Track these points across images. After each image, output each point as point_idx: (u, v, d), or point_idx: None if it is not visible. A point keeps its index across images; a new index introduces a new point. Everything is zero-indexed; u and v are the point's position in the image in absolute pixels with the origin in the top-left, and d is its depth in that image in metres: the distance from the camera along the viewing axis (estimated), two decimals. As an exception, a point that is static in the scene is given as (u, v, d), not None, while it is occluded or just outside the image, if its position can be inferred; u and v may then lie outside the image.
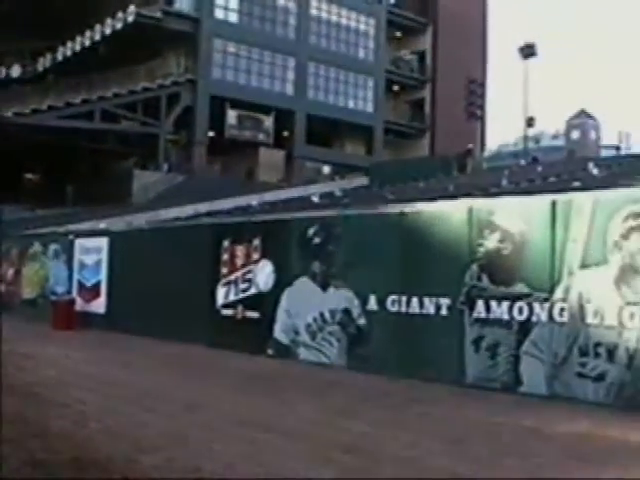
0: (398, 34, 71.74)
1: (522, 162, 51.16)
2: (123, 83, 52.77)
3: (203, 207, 39.33)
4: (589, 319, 10.76)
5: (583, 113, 76.12)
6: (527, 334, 11.48)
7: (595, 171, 27.33)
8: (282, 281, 15.88)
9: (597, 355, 10.67)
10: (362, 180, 49.80)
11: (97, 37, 55.98)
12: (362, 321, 14.02)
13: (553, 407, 10.62)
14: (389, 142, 67.49)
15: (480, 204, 12.78)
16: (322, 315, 14.78)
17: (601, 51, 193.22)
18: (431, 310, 12.76)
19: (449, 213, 12.91)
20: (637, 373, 10.33)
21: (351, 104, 65.62)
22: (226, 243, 17.53)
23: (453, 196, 18.38)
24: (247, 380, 13.02)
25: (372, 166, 52.27)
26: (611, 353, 10.54)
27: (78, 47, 57.36)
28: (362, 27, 66.81)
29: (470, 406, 10.84)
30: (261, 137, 58.62)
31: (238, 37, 57.67)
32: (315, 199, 35.90)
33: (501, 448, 8.26)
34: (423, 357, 12.86)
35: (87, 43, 56.71)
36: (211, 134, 56.27)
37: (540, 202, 11.78)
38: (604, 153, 62.50)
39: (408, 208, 13.93)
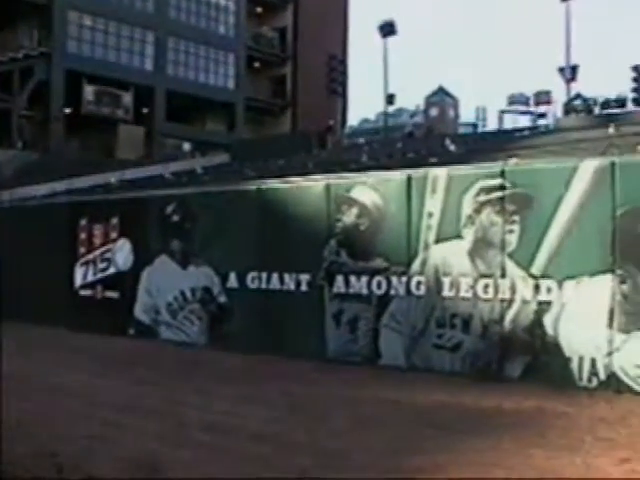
0: (259, 10, 71.18)
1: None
2: (-27, 56, 50.45)
3: (60, 185, 38.06)
4: (445, 291, 11.04)
5: (441, 90, 77.85)
6: (386, 308, 11.68)
7: (452, 147, 28.00)
8: (141, 260, 15.62)
9: (453, 326, 10.97)
10: (223, 157, 49.40)
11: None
12: (223, 299, 13.93)
13: (412, 378, 10.83)
14: (250, 119, 67.12)
15: (337, 180, 12.85)
16: (183, 293, 14.61)
17: (459, 30, 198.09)
18: (291, 286, 12.79)
19: (307, 189, 12.96)
20: (490, 343, 10.68)
21: (212, 80, 64.80)
22: (83, 222, 17.08)
23: (313, 172, 18.43)
24: (107, 362, 12.71)
25: (233, 143, 51.98)
26: (466, 324, 10.86)
27: None
28: (222, 2, 65.91)
29: (331, 380, 10.92)
30: (120, 113, 57.16)
31: (94, 9, 55.74)
32: (167, 175, 35.37)
33: (361, 420, 8.38)
34: (284, 333, 12.90)
35: None
36: (68, 110, 54.45)
37: (396, 177, 11.95)
38: (462, 130, 64.16)
39: (266, 185, 13.89)
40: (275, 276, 13.02)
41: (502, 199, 10.58)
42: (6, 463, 6.38)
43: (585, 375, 9.93)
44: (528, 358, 10.41)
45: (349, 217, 12.10)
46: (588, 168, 10.02)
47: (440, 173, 11.36)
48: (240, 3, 66.75)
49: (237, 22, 66.70)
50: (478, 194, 10.77)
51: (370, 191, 11.98)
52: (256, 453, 7.01)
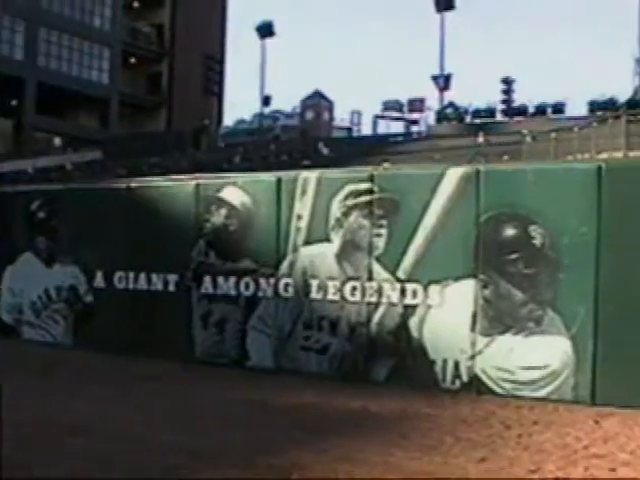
0: (136, 4, 70.20)
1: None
2: None
3: None
4: (313, 294, 11.09)
5: (317, 94, 78.44)
6: (254, 309, 11.65)
7: (325, 151, 28.24)
8: (4, 258, 15.04)
9: (320, 329, 11.03)
10: (96, 154, 48.47)
11: None
12: (89, 298, 13.61)
13: (280, 380, 10.84)
14: (125, 115, 66.06)
15: (207, 180, 12.74)
16: (47, 292, 14.20)
17: (337, 34, 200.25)
18: (159, 286, 12.61)
19: (177, 189, 12.82)
20: (357, 345, 10.80)
21: (86, 74, 63.46)
22: (-58, 218, 16.33)
23: (186, 171, 18.27)
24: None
25: (107, 139, 50.98)
26: (334, 326, 10.94)
27: None
28: (98, -6, 64.68)
29: (199, 382, 10.84)
30: (-14, 105, 55.32)
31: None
32: (30, 170, 34.43)
33: (230, 422, 8.35)
34: (152, 334, 12.68)
35: None
36: None
37: (266, 179, 11.95)
38: (337, 134, 64.73)
39: (135, 183, 13.66)
40: (143, 276, 12.80)
41: (370, 203, 10.70)
42: None
43: (449, 377, 10.15)
44: (394, 360, 10.56)
45: (218, 218, 12.02)
46: (454, 175, 10.24)
47: (310, 176, 11.40)
48: (116, -3, 65.57)
49: (113, 16, 65.53)
50: (347, 198, 10.86)
51: (240, 192, 11.91)
52: (120, 455, 6.87)
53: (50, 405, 9.02)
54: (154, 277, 12.67)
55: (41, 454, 6.89)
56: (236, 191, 11.98)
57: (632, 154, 23.92)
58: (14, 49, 57.99)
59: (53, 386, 10.29)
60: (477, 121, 46.51)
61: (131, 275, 12.96)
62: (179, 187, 12.83)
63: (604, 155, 22.86)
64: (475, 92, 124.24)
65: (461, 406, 9.23)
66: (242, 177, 12.56)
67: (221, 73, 73.07)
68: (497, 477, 6.37)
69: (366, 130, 60.97)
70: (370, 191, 10.73)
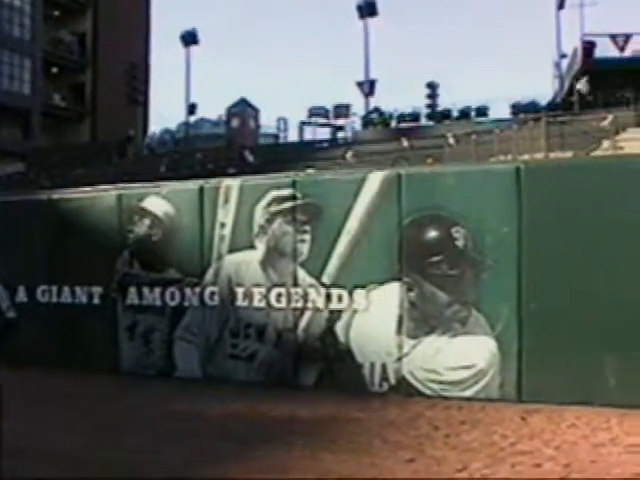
0: (57, 13, 69.04)
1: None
2: None
3: None
4: (239, 301, 11.07)
5: (243, 101, 78.27)
6: (180, 319, 11.60)
7: (251, 158, 28.23)
8: None
9: (247, 336, 11.02)
10: (18, 166, 47.54)
11: None
12: (11, 314, 13.32)
13: (208, 389, 10.80)
14: (48, 126, 64.91)
15: (129, 190, 12.62)
16: (-32, 308, 13.86)
17: (260, 40, 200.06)
18: (83, 299, 12.45)
19: (99, 199, 12.65)
20: (284, 352, 10.82)
21: (6, 85, 62.18)
22: None
23: (112, 182, 18.02)
24: None
25: (29, 151, 50.05)
26: (260, 333, 10.95)
27: None
28: (17, 3, 63.31)
29: (127, 395, 10.73)
30: None
31: None
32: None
33: (158, 434, 8.27)
34: (78, 348, 12.51)
35: None
36: None
37: (189, 188, 11.89)
38: (263, 141, 64.62)
39: (57, 195, 13.44)
40: (66, 289, 12.61)
41: (294, 209, 10.73)
42: None
43: (377, 380, 10.22)
44: (322, 365, 10.60)
45: (141, 228, 11.91)
46: (376, 179, 10.33)
47: (232, 183, 11.39)
48: (37, 5, 64.41)
49: (33, 25, 64.28)
50: (270, 204, 10.87)
51: (162, 201, 11.83)
52: (55, 474, 6.77)
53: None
54: (78, 290, 12.49)
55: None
56: (159, 200, 11.89)
57: (552, 155, 24.41)
58: None
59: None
60: (402, 125, 46.90)
61: (54, 289, 12.76)
62: (101, 198, 12.66)
63: (525, 157, 23.28)
64: (400, 97, 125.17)
65: (389, 409, 9.30)
66: (165, 186, 12.46)
67: (146, 82, 72.29)
68: (425, 477, 6.43)
69: (292, 137, 61.05)
70: (293, 197, 10.75)
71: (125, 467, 6.89)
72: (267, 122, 68.11)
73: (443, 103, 51.36)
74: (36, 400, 10.38)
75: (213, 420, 8.95)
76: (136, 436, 8.20)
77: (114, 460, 7.15)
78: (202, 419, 8.99)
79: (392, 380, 10.12)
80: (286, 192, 10.81)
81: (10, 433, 8.28)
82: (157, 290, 11.71)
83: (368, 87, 54.63)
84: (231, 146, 48.56)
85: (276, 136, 65.03)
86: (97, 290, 12.29)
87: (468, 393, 9.62)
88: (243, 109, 67.10)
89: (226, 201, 11.19)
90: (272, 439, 7.94)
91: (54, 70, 67.13)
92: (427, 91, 53.39)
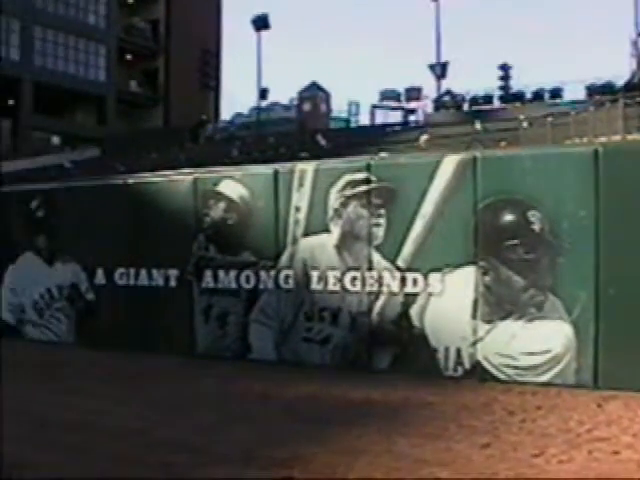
0: (130, 1, 70.04)
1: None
2: None
3: None
4: (313, 285, 11.10)
5: (314, 85, 78.24)
6: (255, 302, 11.68)
7: (323, 142, 28.23)
8: (5, 257, 15.07)
9: (322, 319, 11.05)
10: (94, 151, 48.43)
11: None
12: (91, 296, 13.63)
13: (282, 372, 10.87)
14: (123, 112, 65.96)
15: (205, 174, 12.75)
16: (49, 291, 14.23)
17: (331, 24, 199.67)
18: (160, 282, 12.63)
19: (175, 184, 12.81)
20: (359, 335, 10.82)
21: (82, 72, 63.30)
22: (-59, 218, 16.35)
23: (185, 166, 18.26)
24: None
25: (104, 137, 50.94)
26: (335, 317, 10.96)
27: None
28: (92, -8, 64.52)
29: (201, 376, 10.86)
30: (-17, 105, 55.24)
31: (-46, -5, 53.57)
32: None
33: (231, 415, 8.38)
34: (154, 330, 12.71)
35: None
36: None
37: (263, 172, 11.96)
38: (334, 125, 64.60)
39: (134, 179, 13.68)
40: (143, 272, 12.82)
41: (368, 193, 10.71)
42: None
43: (451, 365, 10.18)
44: (396, 349, 10.59)
45: (217, 211, 12.03)
46: (451, 162, 10.24)
47: (307, 167, 11.41)
48: (111, -7, 65.38)
49: (108, 12, 65.31)
50: (345, 188, 10.87)
51: (237, 185, 11.92)
52: (119, 451, 6.89)
53: (52, 403, 9.05)
54: (155, 272, 12.69)
55: (41, 451, 6.90)
56: (234, 184, 11.98)
57: (630, 137, 23.91)
58: (10, 49, 57.82)
59: (55, 385, 10.32)
60: (475, 108, 46.46)
61: (132, 271, 12.98)
62: (177, 182, 12.83)
63: (602, 139, 22.83)
64: (472, 79, 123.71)
65: (464, 393, 9.25)
66: (240, 170, 12.57)
67: (218, 67, 72.97)
68: (500, 462, 6.39)
69: (364, 120, 60.88)
70: (367, 181, 10.73)
71: (193, 447, 6.98)
72: (338, 106, 67.89)
73: (516, 85, 50.72)
74: (110, 380, 10.64)
75: (287, 402, 9.03)
76: (210, 416, 8.33)
77: (182, 440, 7.27)
78: (276, 401, 9.07)
79: (467, 365, 10.07)
80: (361, 176, 10.79)
81: (83, 410, 8.58)
82: (232, 273, 11.82)
83: (440, 69, 54.22)
84: (303, 130, 48.68)
85: (347, 120, 64.89)
86: (173, 273, 12.46)
87: (543, 378, 9.52)
88: (314, 93, 67.07)
89: (301, 185, 11.23)
90: (346, 421, 7.95)
91: (128, 57, 68.16)
92: (500, 73, 52.74)
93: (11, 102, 57.20)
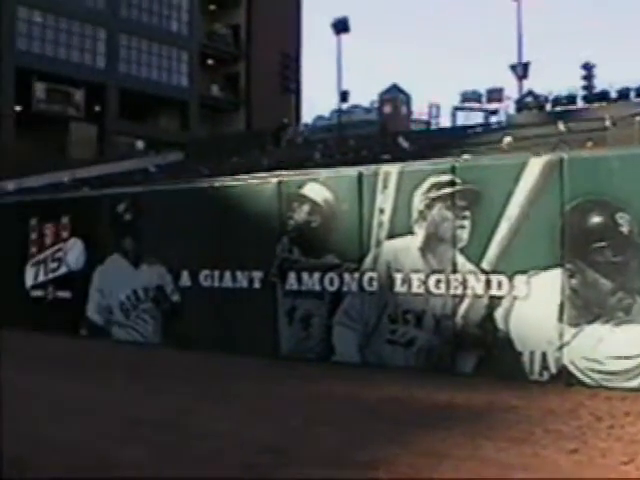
0: (212, 7, 71.03)
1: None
2: None
3: (11, 185, 37.68)
4: (397, 287, 11.08)
5: (395, 88, 78.12)
6: (338, 304, 11.71)
7: (405, 144, 28.14)
8: (93, 259, 15.46)
9: (406, 322, 11.02)
10: (177, 155, 49.18)
11: None
12: (176, 297, 13.85)
13: (365, 374, 10.87)
14: (205, 117, 66.89)
15: (289, 177, 12.85)
16: (135, 293, 14.51)
17: (411, 27, 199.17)
18: (244, 284, 12.76)
19: (259, 187, 12.95)
20: (443, 338, 10.76)
21: (165, 78, 64.50)
22: (34, 222, 16.86)
23: (267, 170, 18.43)
24: (56, 362, 12.56)
25: (187, 141, 51.69)
26: (419, 319, 10.92)
27: None
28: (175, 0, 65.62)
29: (285, 377, 10.94)
30: (71, 111, 56.68)
31: (44, 5, 55.04)
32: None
33: (316, 417, 8.40)
34: (238, 331, 12.85)
35: None
36: (18, 108, 53.79)
37: (347, 174, 12.00)
38: (415, 127, 64.44)
39: (219, 182, 13.87)
40: (228, 274, 12.97)
41: (453, 195, 10.66)
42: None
43: (536, 369, 10.04)
44: (480, 353, 10.50)
45: (301, 214, 12.11)
46: (537, 164, 10.13)
47: (391, 170, 11.40)
48: (193, 0, 66.39)
49: (190, 19, 66.40)
50: (429, 190, 10.83)
51: (321, 188, 11.98)
52: (204, 450, 7.00)
53: (139, 403, 9.23)
54: (239, 274, 12.83)
55: (129, 449, 7.05)
56: (318, 187, 12.04)
57: None
58: (96, 57, 59.25)
59: (141, 384, 10.53)
60: (558, 109, 45.75)
61: (216, 273, 13.15)
62: (262, 185, 12.96)
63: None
64: (555, 79, 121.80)
65: (550, 398, 9.12)
66: (324, 173, 12.63)
67: (298, 71, 73.37)
68: (588, 468, 6.29)
69: (445, 122, 60.62)
70: (452, 183, 10.68)
71: (277, 448, 7.02)
72: (418, 108, 67.67)
73: (600, 84, 49.76)
74: (196, 380, 10.80)
75: (371, 404, 9.02)
76: (294, 417, 8.37)
77: (267, 441, 7.32)
78: (360, 402, 9.08)
79: (552, 369, 9.92)
80: (445, 178, 10.73)
81: (170, 410, 8.72)
82: (316, 275, 11.87)
83: (522, 69, 53.51)
84: (384, 132, 48.60)
85: (428, 122, 64.62)
86: (257, 275, 12.58)
87: (632, 384, 9.30)
88: (395, 95, 67.01)
89: (385, 187, 11.23)
90: (430, 424, 7.93)
91: (210, 62, 69.08)
92: (582, 72, 51.84)
93: (97, 108, 58.55)
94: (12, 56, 53.16)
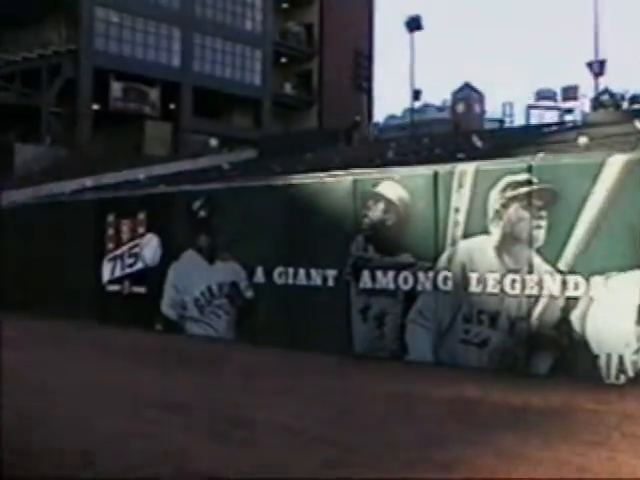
0: (285, 6, 71.33)
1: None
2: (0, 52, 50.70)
3: (89, 181, 38.38)
4: (472, 287, 11.02)
5: (467, 86, 77.52)
6: (412, 303, 11.68)
7: (478, 143, 27.87)
8: (169, 255, 15.71)
9: (480, 322, 10.95)
10: (250, 153, 49.47)
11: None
12: (249, 294, 13.99)
13: (439, 374, 10.85)
14: (277, 114, 67.21)
15: (364, 175, 12.87)
16: (210, 289, 14.69)
17: (485, 24, 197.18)
18: (318, 281, 12.82)
19: (334, 185, 12.98)
20: (518, 339, 10.66)
21: (238, 76, 64.93)
22: (111, 218, 17.21)
23: (340, 168, 18.46)
24: (134, 357, 12.80)
25: (261, 139, 52.01)
26: (493, 320, 10.84)
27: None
28: (249, -2, 66.14)
29: (358, 375, 10.98)
30: (147, 110, 57.48)
31: (121, 6, 55.96)
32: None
33: (389, 415, 8.42)
34: (311, 328, 12.92)
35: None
36: (95, 107, 54.81)
37: (423, 173, 11.96)
38: (488, 126, 63.90)
39: (294, 180, 13.95)
40: (302, 271, 13.05)
41: (529, 194, 10.55)
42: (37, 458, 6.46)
43: (613, 372, 9.88)
44: (555, 355, 10.38)
45: (376, 212, 12.11)
46: (616, 163, 9.96)
47: (467, 168, 11.34)
48: (267, -1, 66.82)
49: (263, 18, 66.75)
50: (505, 189, 10.74)
51: (397, 186, 11.97)
52: (281, 446, 7.06)
53: (213, 398, 9.35)
54: (313, 272, 12.90)
55: (207, 444, 7.15)
56: (393, 185, 12.03)
57: None
58: (171, 56, 59.99)
59: (218, 379, 10.67)
60: (635, 107, 44.89)
61: (290, 270, 13.23)
62: (336, 183, 12.99)
63: None
64: (632, 77, 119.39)
65: (627, 401, 8.99)
66: (399, 172, 12.61)
67: (370, 69, 73.21)
68: (669, 475, 6.19)
69: (518, 121, 59.98)
70: (529, 182, 10.58)
71: (351, 446, 7.06)
72: (492, 107, 67.06)
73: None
74: (269, 377, 10.89)
75: (444, 404, 8.99)
76: (368, 416, 8.41)
77: (340, 438, 7.34)
78: (433, 402, 9.05)
79: (630, 372, 9.75)
80: (522, 177, 10.64)
81: (244, 406, 8.82)
82: (390, 274, 11.87)
83: (598, 67, 52.53)
84: (458, 131, 48.24)
85: (501, 120, 64.00)
86: (331, 273, 12.62)
87: None
88: (468, 94, 66.55)
89: (460, 186, 11.17)
90: (504, 425, 7.88)
91: (283, 60, 69.37)
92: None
93: (172, 106, 59.33)
94: (90, 56, 54.17)
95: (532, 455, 6.69)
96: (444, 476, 6.12)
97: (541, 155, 12.81)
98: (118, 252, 16.98)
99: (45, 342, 14.53)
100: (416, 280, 11.61)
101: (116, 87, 55.79)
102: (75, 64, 53.60)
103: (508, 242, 10.72)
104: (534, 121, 56.26)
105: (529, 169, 10.69)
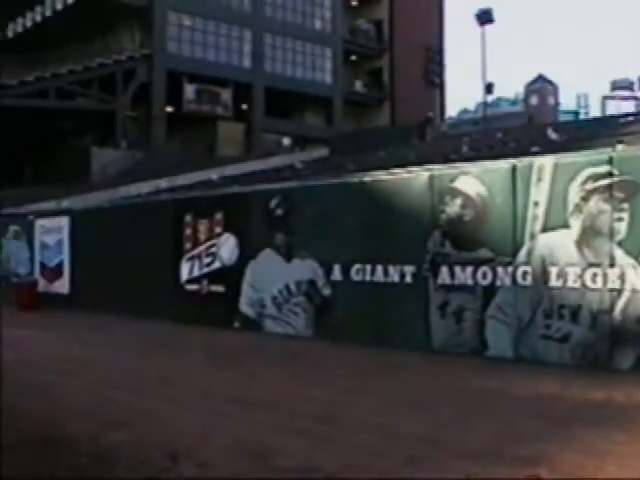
0: (354, 3, 71.31)
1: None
2: (78, 59, 51.79)
3: (164, 183, 39.03)
4: (552, 281, 10.88)
5: (541, 78, 76.23)
6: (492, 298, 11.60)
7: (554, 136, 27.48)
8: (246, 254, 15.87)
9: (561, 317, 10.81)
10: (323, 151, 49.64)
11: (48, 12, 54.96)
12: (327, 291, 14.06)
13: (519, 369, 10.77)
14: (349, 112, 67.27)
15: (441, 171, 12.81)
16: (287, 287, 14.81)
17: (557, 15, 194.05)
18: (395, 278, 12.81)
19: (410, 181, 12.96)
20: (600, 334, 10.48)
21: (309, 75, 65.22)
22: (188, 218, 17.47)
23: (414, 164, 18.40)
24: (216, 354, 13.01)
25: (332, 137, 52.13)
26: (575, 314, 10.69)
27: (29, 23, 56.30)
28: (318, -2, 66.36)
29: (437, 371, 10.98)
30: (220, 111, 58.12)
31: (193, 9, 56.75)
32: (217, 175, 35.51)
33: (469, 411, 8.39)
34: (389, 325, 12.94)
35: (38, 19, 55.69)
36: (169, 109, 55.66)
37: (500, 167, 11.86)
38: (562, 118, 62.93)
39: (369, 177, 13.96)
40: (379, 268, 13.06)
41: (610, 187, 10.38)
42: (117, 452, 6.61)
43: (700, 368, 9.68)
44: (639, 349, 10.19)
45: (453, 208, 12.06)
46: (700, 152, 9.76)
47: (546, 162, 11.20)
48: (336, -2, 66.92)
49: (333, 16, 66.90)
50: (585, 182, 10.57)
51: (474, 181, 11.89)
52: (364, 442, 7.08)
53: (294, 394, 9.42)
54: (390, 269, 12.90)
55: (291, 439, 7.21)
56: (471, 180, 11.96)
57: None
58: (242, 57, 60.57)
59: (297, 375, 10.77)
60: None
61: (368, 267, 13.26)
62: (412, 179, 12.98)
63: None
64: None
65: None
66: (476, 166, 12.52)
67: (441, 64, 72.75)
68: None
69: (594, 112, 58.93)
70: (609, 174, 10.40)
71: (435, 441, 7.04)
72: (566, 98, 66.05)
73: None
74: (348, 373, 10.95)
75: (525, 399, 8.92)
76: (449, 411, 8.37)
77: (423, 433, 7.34)
78: (513, 398, 8.99)
79: None
80: (602, 169, 10.46)
81: (325, 402, 8.87)
82: (469, 269, 11.81)
83: (677, 56, 51.29)
84: (532, 124, 47.59)
85: (576, 112, 62.97)
86: (409, 269, 12.61)
87: None
88: (541, 86, 65.62)
89: (539, 180, 11.05)
90: (589, 421, 7.76)
91: (353, 58, 69.40)
92: None
93: (244, 107, 59.88)
94: (164, 59, 55.03)
95: (617, 450, 6.59)
96: (533, 472, 6.05)
97: (621, 146, 12.57)
98: (196, 252, 17.22)
99: (128, 342, 14.87)
100: (495, 275, 11.52)
101: (189, 89, 56.55)
102: (149, 68, 54.55)
103: (589, 235, 10.56)
104: (610, 112, 55.08)
105: (610, 161, 10.52)
